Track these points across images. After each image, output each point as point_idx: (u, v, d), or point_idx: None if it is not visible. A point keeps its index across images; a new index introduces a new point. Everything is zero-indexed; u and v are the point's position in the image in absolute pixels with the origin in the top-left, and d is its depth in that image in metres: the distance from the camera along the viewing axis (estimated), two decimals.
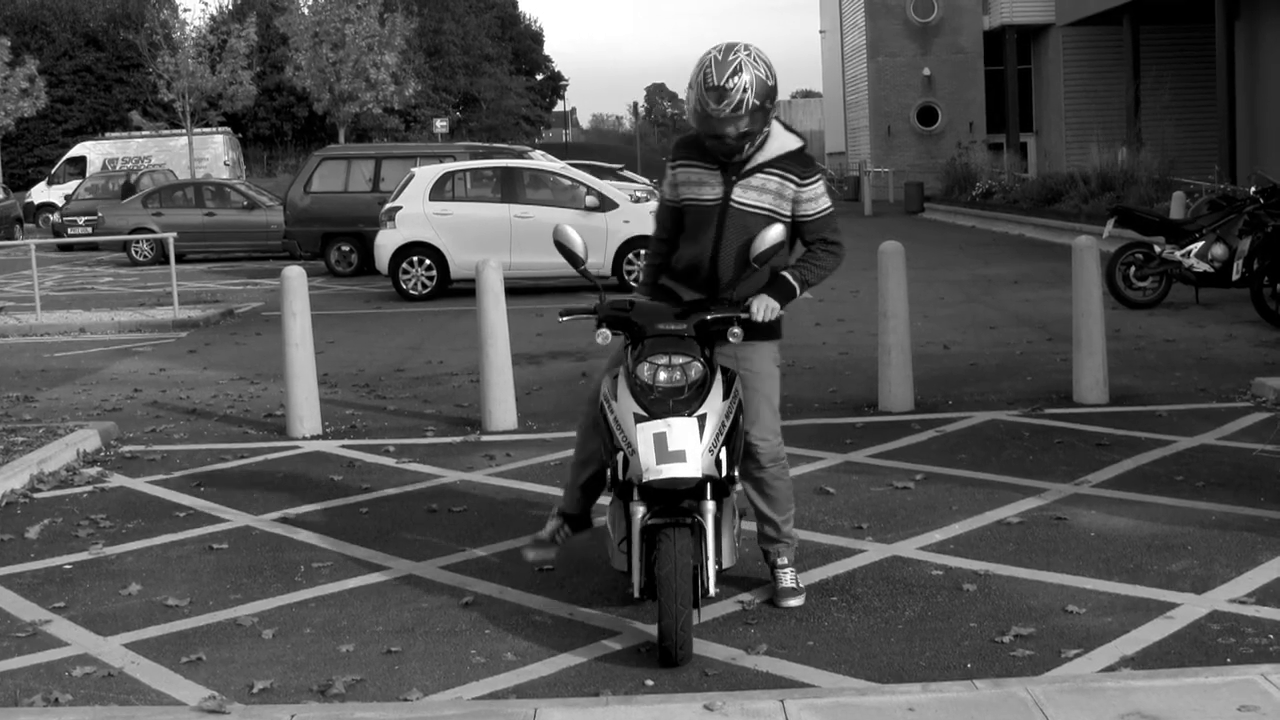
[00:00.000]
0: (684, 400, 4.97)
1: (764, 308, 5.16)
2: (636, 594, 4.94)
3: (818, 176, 5.31)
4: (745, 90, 4.92)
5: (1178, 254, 14.28)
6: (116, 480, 8.19)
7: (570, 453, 8.36)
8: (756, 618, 5.32)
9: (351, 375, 12.01)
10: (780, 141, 5.26)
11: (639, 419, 4.93)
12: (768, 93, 4.98)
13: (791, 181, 5.24)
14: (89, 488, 8.00)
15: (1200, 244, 14.17)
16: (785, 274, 5.24)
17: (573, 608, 5.52)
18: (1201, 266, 14.10)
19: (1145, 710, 4.17)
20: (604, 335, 5.21)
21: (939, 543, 6.23)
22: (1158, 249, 14.52)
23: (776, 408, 5.43)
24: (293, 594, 5.86)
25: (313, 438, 9.25)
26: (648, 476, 4.84)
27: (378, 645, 5.19)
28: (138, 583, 6.07)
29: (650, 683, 4.71)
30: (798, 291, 5.24)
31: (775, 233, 5.10)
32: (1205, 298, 14.82)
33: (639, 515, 4.91)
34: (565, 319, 5.49)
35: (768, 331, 5.36)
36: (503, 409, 9.26)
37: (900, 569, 5.88)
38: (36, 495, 7.83)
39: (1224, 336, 12.35)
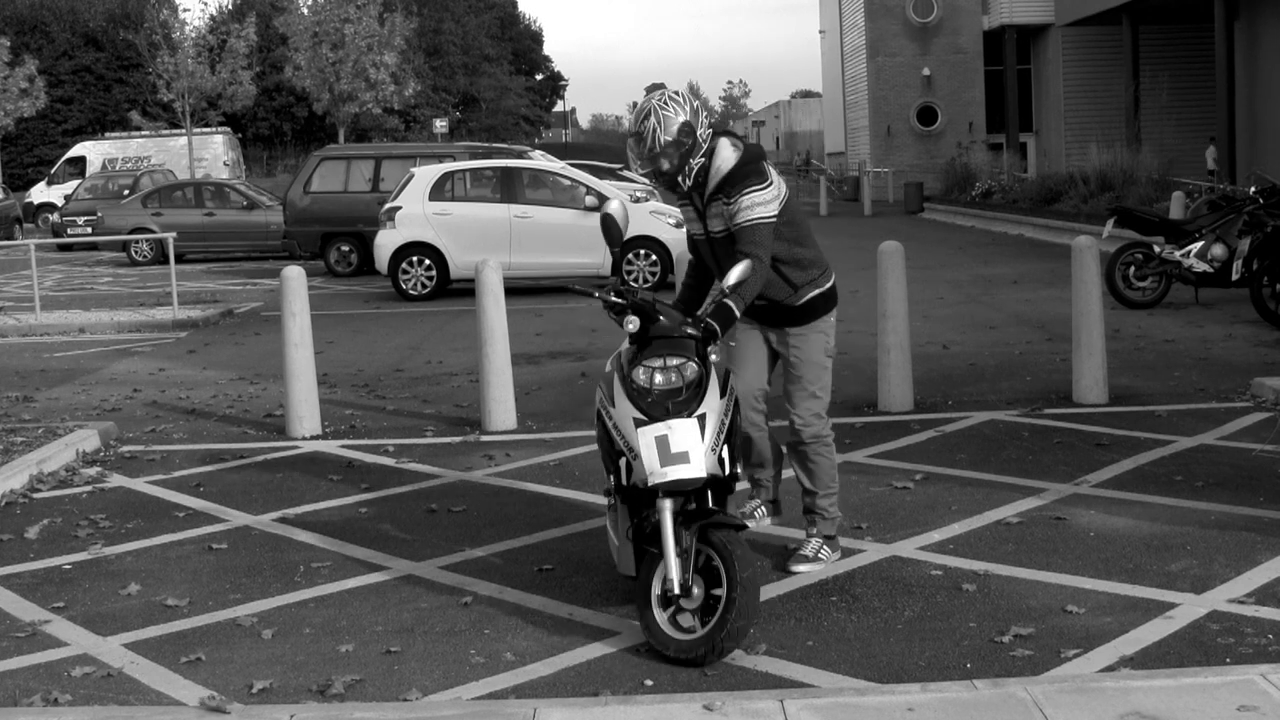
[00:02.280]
0: (682, 401, 5.01)
1: (715, 350, 5.28)
2: (677, 590, 4.87)
3: (745, 189, 5.48)
4: (654, 131, 5.39)
5: (1177, 254, 14.28)
6: (116, 480, 8.19)
7: (569, 453, 8.39)
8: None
9: (351, 375, 12.01)
10: (719, 166, 5.56)
11: (639, 423, 4.96)
12: (679, 128, 5.38)
13: (724, 203, 5.55)
14: (88, 488, 8.00)
15: (1200, 244, 14.17)
16: (727, 300, 5.33)
17: (572, 608, 5.53)
18: (1201, 266, 14.10)
19: (1144, 710, 4.17)
20: (633, 322, 5.21)
21: (938, 543, 6.23)
22: (1157, 249, 14.52)
23: (819, 394, 5.84)
24: (292, 594, 5.86)
25: (312, 438, 9.25)
26: (653, 480, 4.87)
27: (377, 645, 5.20)
28: (137, 583, 6.08)
29: (649, 683, 4.71)
30: (736, 313, 5.33)
31: (740, 270, 5.25)
32: (1205, 298, 14.82)
33: (667, 508, 4.90)
34: (596, 295, 5.48)
35: (810, 314, 5.78)
36: (502, 409, 9.26)
37: (900, 569, 5.88)
38: (36, 495, 7.83)
39: (1223, 336, 12.35)
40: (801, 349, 5.82)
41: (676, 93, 5.52)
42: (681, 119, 5.40)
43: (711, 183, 5.56)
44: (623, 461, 5.01)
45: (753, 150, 5.69)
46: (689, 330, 5.18)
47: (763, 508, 6.23)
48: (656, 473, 4.86)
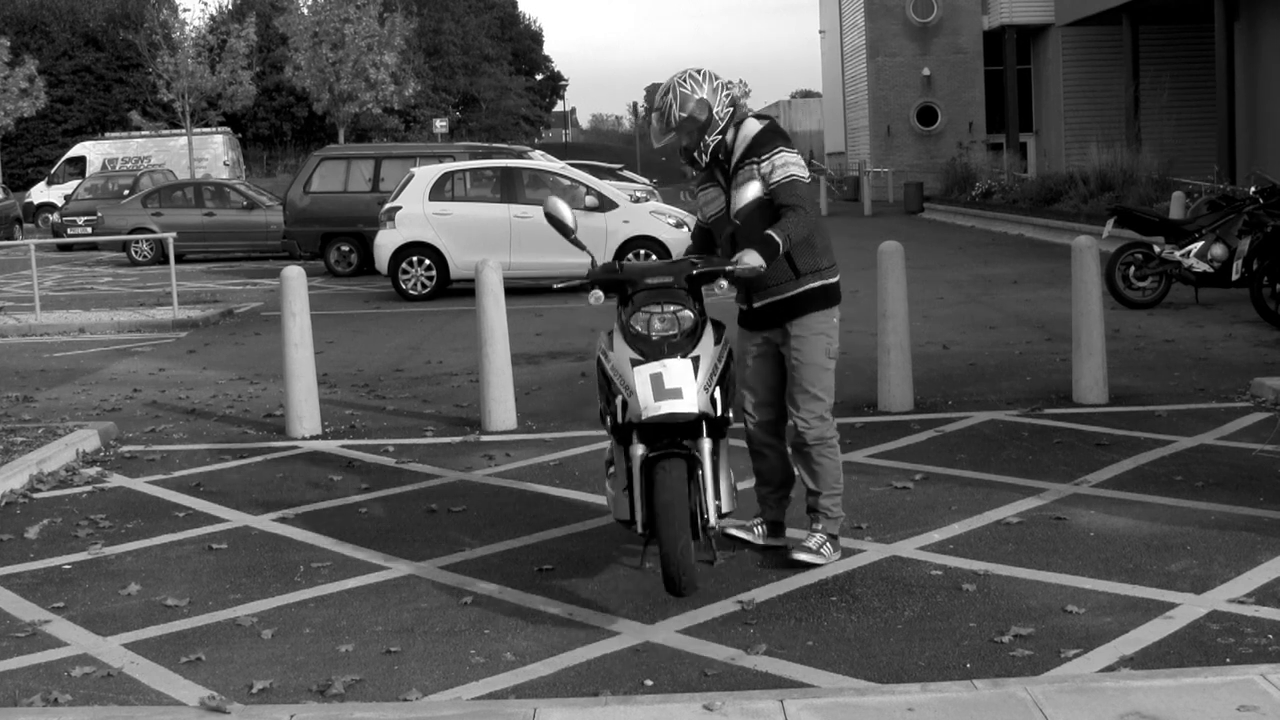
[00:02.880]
0: (677, 344, 5.25)
1: (746, 263, 5.47)
2: (640, 530, 5.14)
3: (776, 149, 5.69)
4: (670, 106, 5.64)
5: (1177, 254, 14.28)
6: (116, 480, 8.19)
7: (569, 453, 8.40)
8: (756, 618, 5.33)
9: (351, 375, 12.01)
10: (744, 134, 5.77)
11: (635, 363, 5.19)
12: (695, 104, 5.62)
13: (755, 164, 5.70)
14: (88, 488, 8.00)
15: (1200, 244, 14.16)
16: (770, 231, 5.55)
17: (572, 608, 5.53)
18: (1201, 266, 14.09)
19: (1144, 710, 4.17)
20: (596, 296, 5.54)
21: (938, 543, 6.23)
22: (1157, 249, 14.52)
23: (820, 395, 5.84)
24: (292, 594, 5.86)
25: (312, 438, 9.25)
26: (646, 414, 5.07)
27: (377, 645, 5.20)
28: (137, 583, 6.08)
29: (649, 683, 4.71)
30: (780, 246, 5.53)
31: (752, 190, 5.48)
32: (1205, 298, 14.82)
33: (639, 454, 5.13)
34: (560, 286, 5.88)
35: (809, 305, 5.79)
36: (502, 409, 9.26)
37: (900, 569, 5.88)
38: (36, 495, 7.83)
39: (1223, 336, 12.35)
40: (802, 351, 5.83)
41: (698, 71, 5.69)
42: (699, 96, 5.62)
43: (738, 151, 5.75)
44: (619, 400, 5.23)
45: (779, 126, 5.88)
46: (659, 279, 5.37)
47: (762, 526, 6.24)
48: (651, 406, 5.08)
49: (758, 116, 5.88)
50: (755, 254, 5.47)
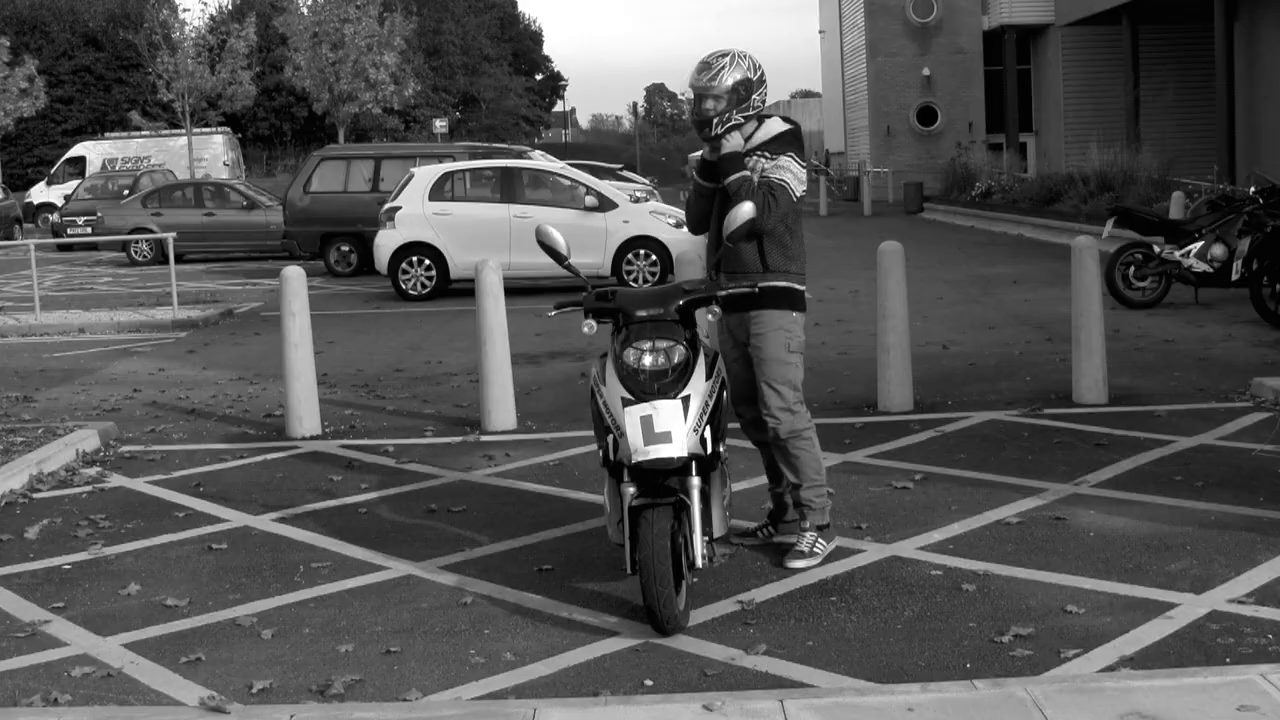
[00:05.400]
0: (669, 383, 5.23)
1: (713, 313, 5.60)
2: (630, 571, 5.12)
3: (792, 153, 5.84)
4: (724, 68, 5.76)
5: (1177, 254, 14.27)
6: (116, 480, 8.19)
7: (569, 453, 8.40)
8: (756, 618, 5.33)
9: (351, 375, 12.01)
10: (769, 128, 5.90)
11: (626, 402, 5.18)
12: (742, 80, 5.76)
13: (764, 157, 5.83)
14: (88, 488, 8.00)
15: (1199, 244, 14.16)
16: (750, 181, 5.74)
17: (572, 608, 5.53)
18: (1201, 266, 14.09)
19: (1144, 710, 4.17)
20: (590, 326, 5.55)
21: (938, 543, 6.23)
22: (1157, 249, 14.52)
23: (782, 388, 5.86)
24: (292, 594, 5.86)
25: (312, 438, 9.25)
26: (636, 458, 5.08)
27: (377, 645, 5.20)
28: (137, 583, 6.08)
29: (649, 683, 4.71)
30: (742, 183, 5.72)
31: (745, 210, 5.47)
32: (1204, 298, 14.81)
33: (629, 495, 5.14)
34: (555, 314, 5.85)
35: (771, 300, 5.84)
36: (502, 409, 9.26)
37: (899, 569, 5.88)
38: (36, 495, 7.83)
39: (1223, 336, 12.35)
40: (762, 347, 5.89)
41: (752, 58, 5.83)
42: (744, 76, 5.75)
43: (757, 140, 5.85)
44: (610, 438, 5.24)
45: (799, 135, 6.01)
46: (651, 312, 5.36)
47: (767, 529, 6.32)
48: (640, 450, 5.08)
49: (785, 119, 6.00)
50: (731, 147, 5.75)
